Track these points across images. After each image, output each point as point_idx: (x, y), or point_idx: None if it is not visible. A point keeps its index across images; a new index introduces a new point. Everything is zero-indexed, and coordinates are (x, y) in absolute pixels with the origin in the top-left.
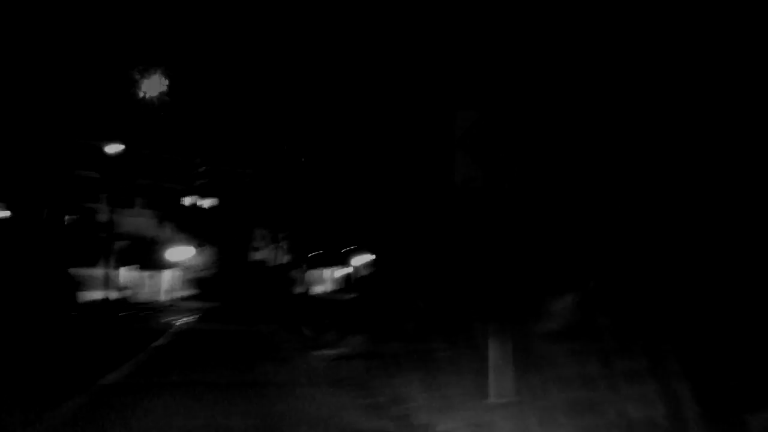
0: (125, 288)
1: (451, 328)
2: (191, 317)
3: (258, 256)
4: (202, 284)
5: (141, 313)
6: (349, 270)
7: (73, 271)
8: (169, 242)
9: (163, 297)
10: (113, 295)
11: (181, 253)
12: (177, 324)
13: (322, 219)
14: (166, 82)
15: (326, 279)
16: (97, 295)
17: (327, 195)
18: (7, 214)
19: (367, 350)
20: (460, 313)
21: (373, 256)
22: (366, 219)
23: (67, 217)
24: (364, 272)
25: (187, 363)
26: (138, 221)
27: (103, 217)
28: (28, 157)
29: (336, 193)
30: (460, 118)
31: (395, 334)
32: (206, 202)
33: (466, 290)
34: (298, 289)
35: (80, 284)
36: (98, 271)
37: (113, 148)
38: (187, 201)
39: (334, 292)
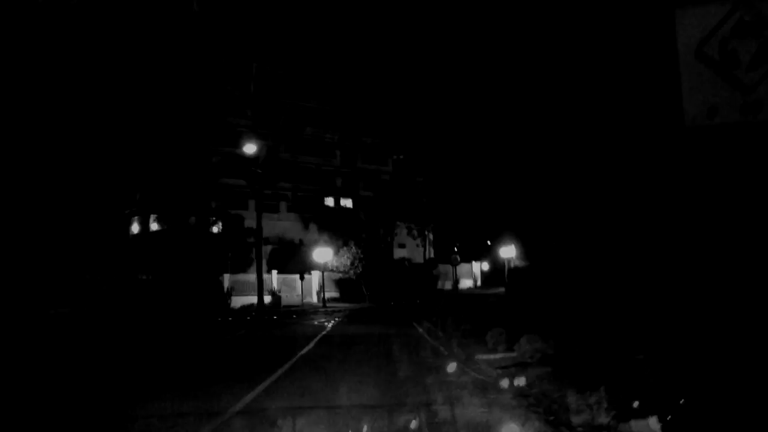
0: (276, 291)
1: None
2: (339, 319)
3: (403, 252)
4: (348, 284)
5: (293, 316)
6: (497, 262)
7: (225, 277)
8: (315, 244)
9: (312, 298)
10: (266, 298)
11: (327, 254)
12: (326, 326)
13: (468, 208)
14: None
15: (474, 273)
16: (249, 299)
17: (471, 179)
18: (158, 227)
19: (548, 356)
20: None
21: (522, 246)
22: (518, 201)
23: (216, 225)
24: (514, 264)
25: (335, 375)
26: (284, 225)
27: (250, 222)
28: (175, 169)
29: (482, 174)
30: (685, 19)
31: (576, 339)
32: (347, 202)
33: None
34: (446, 285)
35: (232, 290)
36: (249, 276)
37: (250, 149)
38: (328, 202)
39: (483, 286)
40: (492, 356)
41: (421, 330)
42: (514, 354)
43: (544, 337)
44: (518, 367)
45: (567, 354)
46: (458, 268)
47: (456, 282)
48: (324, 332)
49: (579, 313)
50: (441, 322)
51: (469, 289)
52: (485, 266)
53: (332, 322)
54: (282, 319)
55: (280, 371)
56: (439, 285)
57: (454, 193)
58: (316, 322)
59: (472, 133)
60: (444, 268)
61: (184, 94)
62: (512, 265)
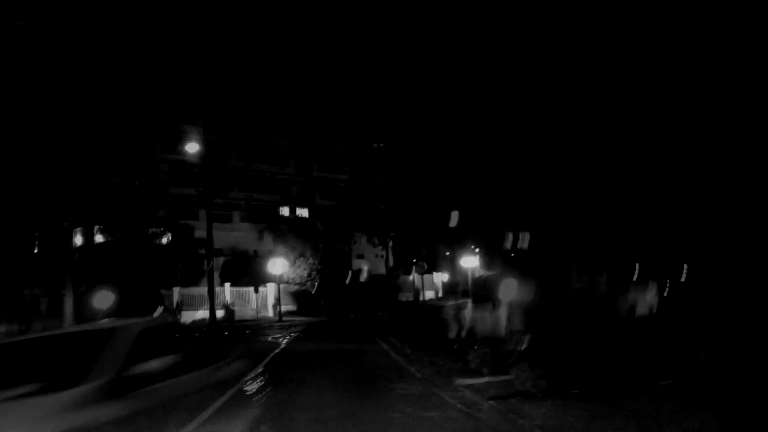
0: (229, 305)
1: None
2: (295, 334)
3: (362, 263)
4: (305, 297)
5: (246, 331)
6: (457, 273)
7: (174, 290)
8: (270, 255)
9: (267, 312)
10: (218, 312)
11: (282, 266)
12: (280, 343)
13: (428, 217)
14: None
15: (436, 283)
16: (201, 314)
17: (431, 188)
18: (102, 238)
19: (556, 384)
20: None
21: (486, 255)
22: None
23: (165, 236)
24: (479, 274)
25: (285, 409)
26: (237, 235)
27: (201, 233)
28: (119, 178)
29: (443, 183)
30: None
31: (581, 361)
32: (303, 211)
33: None
34: (408, 297)
35: (182, 304)
36: (201, 290)
37: (196, 151)
38: (284, 211)
39: (444, 297)
40: (477, 380)
41: (386, 346)
42: (506, 377)
43: (545, 360)
44: (520, 398)
45: (581, 382)
46: (422, 277)
47: (418, 293)
48: (277, 350)
49: (570, 330)
50: (408, 337)
51: (431, 300)
52: (445, 277)
53: (288, 337)
54: (234, 335)
55: (216, 404)
56: (401, 296)
57: (415, 202)
58: (270, 338)
59: (433, 140)
60: (405, 279)
61: (130, 98)
62: (475, 275)
